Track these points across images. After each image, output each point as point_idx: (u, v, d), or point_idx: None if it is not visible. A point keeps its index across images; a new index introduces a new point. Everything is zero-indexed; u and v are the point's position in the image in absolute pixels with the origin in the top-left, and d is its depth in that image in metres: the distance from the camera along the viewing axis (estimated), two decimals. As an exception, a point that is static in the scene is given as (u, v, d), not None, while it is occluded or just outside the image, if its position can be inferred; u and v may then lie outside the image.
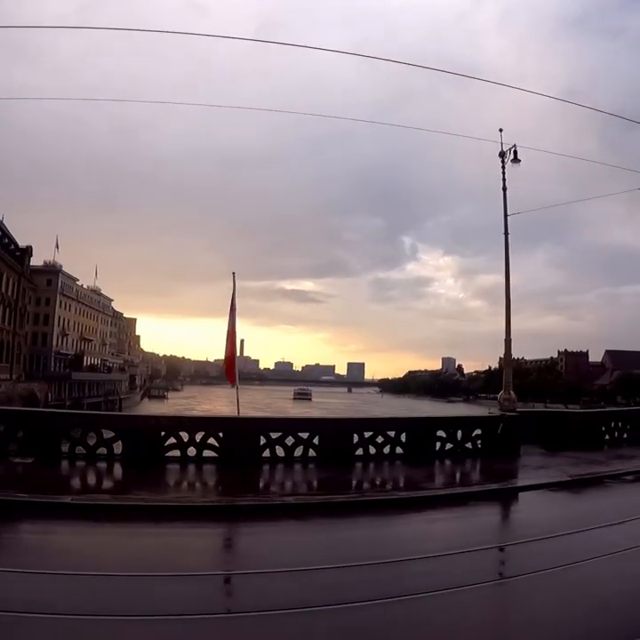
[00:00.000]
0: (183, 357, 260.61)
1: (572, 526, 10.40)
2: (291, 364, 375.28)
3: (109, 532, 10.16)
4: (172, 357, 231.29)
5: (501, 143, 21.15)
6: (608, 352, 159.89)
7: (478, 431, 17.90)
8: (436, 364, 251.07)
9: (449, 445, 17.44)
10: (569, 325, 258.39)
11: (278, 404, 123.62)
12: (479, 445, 17.77)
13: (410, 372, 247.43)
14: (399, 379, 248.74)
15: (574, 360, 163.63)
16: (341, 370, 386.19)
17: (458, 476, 16.22)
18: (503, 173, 21.22)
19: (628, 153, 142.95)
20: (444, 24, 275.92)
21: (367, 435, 16.59)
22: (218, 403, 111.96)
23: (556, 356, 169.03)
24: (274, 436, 15.98)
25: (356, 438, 16.47)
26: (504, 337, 20.16)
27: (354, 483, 14.73)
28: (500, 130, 21.39)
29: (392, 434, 16.84)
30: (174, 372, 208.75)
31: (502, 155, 21.20)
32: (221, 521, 11.16)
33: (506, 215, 21.13)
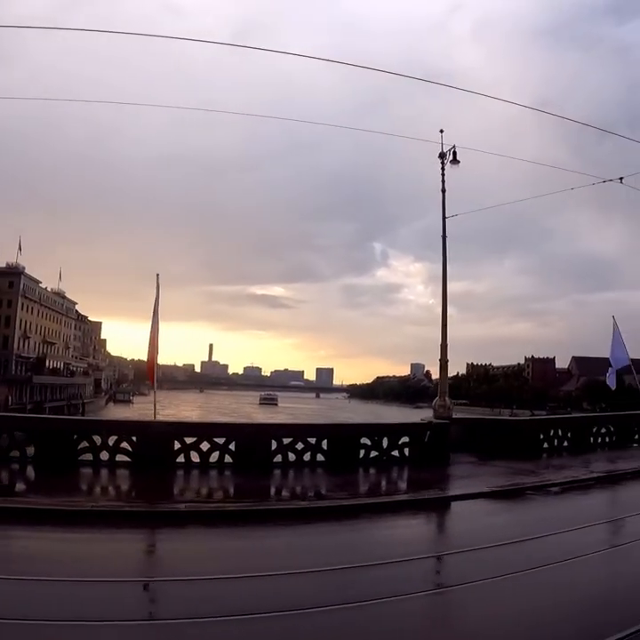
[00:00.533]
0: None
1: (475, 542, 9.60)
2: (259, 369, 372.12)
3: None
4: (140, 361, 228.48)
5: (442, 144, 20.85)
6: (574, 358, 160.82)
7: (406, 439, 17.33)
8: (405, 370, 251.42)
9: (375, 453, 16.87)
10: (539, 332, 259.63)
11: (245, 408, 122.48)
12: (406, 453, 17.22)
13: (378, 377, 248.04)
14: (367, 384, 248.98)
15: (541, 366, 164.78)
16: (310, 375, 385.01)
17: (380, 484, 15.70)
18: (442, 174, 20.90)
19: (595, 161, 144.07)
20: (420, 34, 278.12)
21: (286, 441, 16.03)
22: (183, 407, 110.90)
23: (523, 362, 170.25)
24: (188, 440, 15.38)
25: (274, 444, 15.89)
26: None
27: (269, 490, 14.07)
28: (441, 131, 21.07)
29: (313, 440, 16.29)
30: (142, 377, 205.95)
31: (442, 156, 20.88)
32: (112, 526, 10.47)
33: (444, 217, 20.83)
